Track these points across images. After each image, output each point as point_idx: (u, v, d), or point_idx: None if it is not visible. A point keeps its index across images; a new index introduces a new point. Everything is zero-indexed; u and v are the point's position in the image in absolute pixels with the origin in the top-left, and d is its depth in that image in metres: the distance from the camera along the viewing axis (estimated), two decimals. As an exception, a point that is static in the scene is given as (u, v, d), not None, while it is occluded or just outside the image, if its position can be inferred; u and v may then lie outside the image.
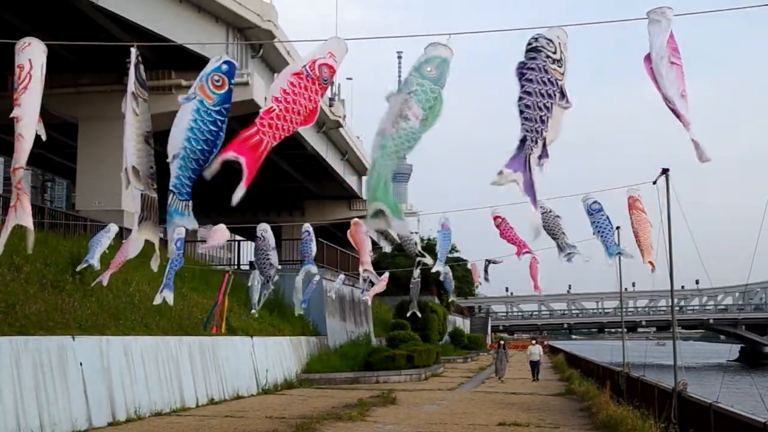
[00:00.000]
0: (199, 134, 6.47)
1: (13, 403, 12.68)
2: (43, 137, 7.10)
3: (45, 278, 16.72)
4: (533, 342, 36.90)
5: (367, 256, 14.37)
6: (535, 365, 32.81)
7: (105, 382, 15.73)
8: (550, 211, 13.86)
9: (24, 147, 6.92)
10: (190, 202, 6.58)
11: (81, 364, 15.02)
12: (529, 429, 15.55)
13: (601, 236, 13.96)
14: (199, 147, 6.47)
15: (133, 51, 7.15)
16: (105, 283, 15.38)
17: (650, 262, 13.99)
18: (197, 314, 22.07)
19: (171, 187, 6.48)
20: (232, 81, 6.77)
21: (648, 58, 6.24)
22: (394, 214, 5.85)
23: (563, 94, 6.17)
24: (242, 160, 6.00)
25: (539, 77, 6.06)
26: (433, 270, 20.63)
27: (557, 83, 6.12)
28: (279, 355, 26.31)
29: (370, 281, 23.97)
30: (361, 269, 14.39)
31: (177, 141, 6.50)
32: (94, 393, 15.19)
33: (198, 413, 17.91)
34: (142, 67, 7.29)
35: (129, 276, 19.90)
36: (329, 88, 6.80)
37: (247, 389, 22.98)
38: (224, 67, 6.76)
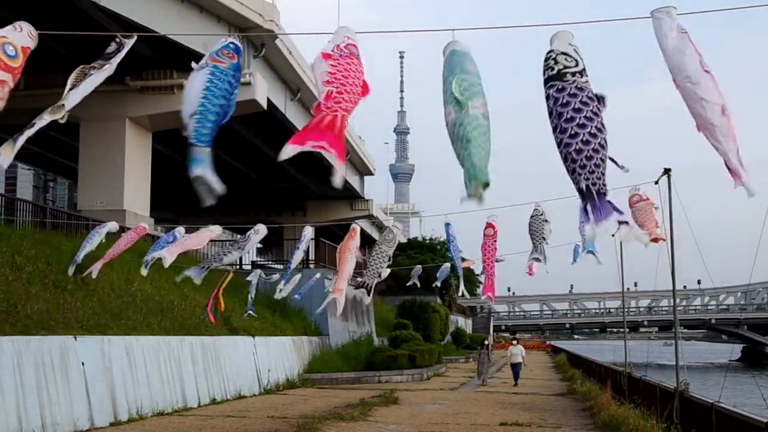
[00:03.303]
0: (216, 90, 6.55)
1: (15, 403, 12.69)
2: None
3: (47, 278, 16.71)
4: (513, 342, 33.11)
5: (343, 282, 12.14)
6: (516, 368, 29.87)
7: (107, 382, 15.74)
8: (541, 214, 13.70)
9: None
10: (209, 149, 6.54)
11: (83, 363, 15.03)
12: (530, 429, 15.54)
13: (585, 233, 13.81)
14: (218, 102, 6.53)
15: (130, 41, 7.26)
16: (94, 274, 15.31)
17: (654, 239, 13.29)
18: (199, 314, 22.06)
19: (191, 141, 6.40)
20: (240, 55, 6.96)
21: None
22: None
23: (599, 98, 5.47)
24: (324, 144, 5.73)
25: (576, 110, 5.35)
26: (443, 272, 20.43)
27: (592, 97, 5.42)
28: (281, 355, 26.31)
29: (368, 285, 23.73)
30: (330, 296, 11.97)
31: (193, 101, 6.52)
32: (96, 393, 15.20)
33: (200, 413, 17.92)
34: (122, 54, 7.41)
35: (131, 276, 19.90)
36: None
37: (249, 389, 22.98)
38: (231, 45, 6.93)
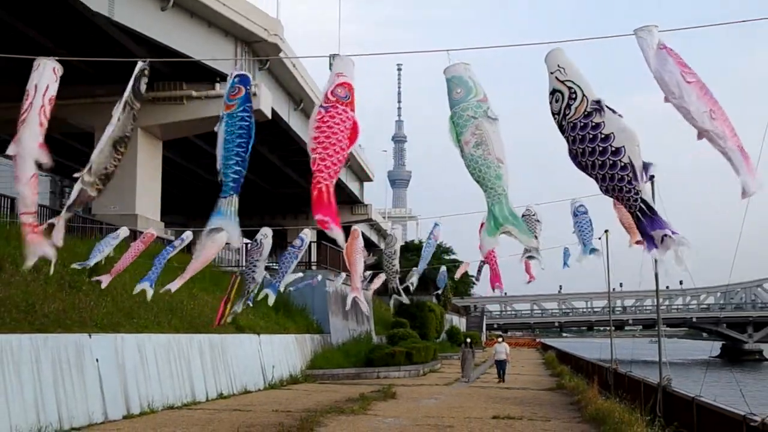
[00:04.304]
0: (231, 139, 6.74)
1: (33, 398, 12.69)
2: (46, 163, 6.65)
3: (63, 279, 16.72)
4: (499, 340, 31.70)
5: (358, 281, 12.17)
6: (501, 365, 29.01)
7: (120, 378, 15.74)
8: (533, 214, 13.75)
9: (24, 192, 6.44)
10: (236, 197, 6.69)
11: (97, 360, 15.03)
12: (521, 422, 15.53)
13: (581, 234, 13.80)
14: (235, 147, 6.73)
15: (140, 64, 7.20)
16: (104, 285, 14.90)
17: (638, 242, 13.42)
18: (207, 313, 22.05)
19: (222, 195, 6.65)
20: (248, 85, 6.95)
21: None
22: (522, 231, 5.74)
23: (599, 108, 5.33)
24: (327, 219, 5.97)
25: (601, 151, 5.22)
26: (442, 280, 20.32)
27: (589, 113, 5.31)
28: (285, 352, 26.30)
29: (372, 278, 23.74)
30: (350, 296, 11.96)
31: (219, 156, 6.80)
32: (110, 388, 15.20)
33: (208, 407, 17.91)
34: (145, 79, 7.31)
35: (142, 277, 19.88)
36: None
37: (255, 384, 22.97)
38: (236, 79, 6.99)
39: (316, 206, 5.97)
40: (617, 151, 5.19)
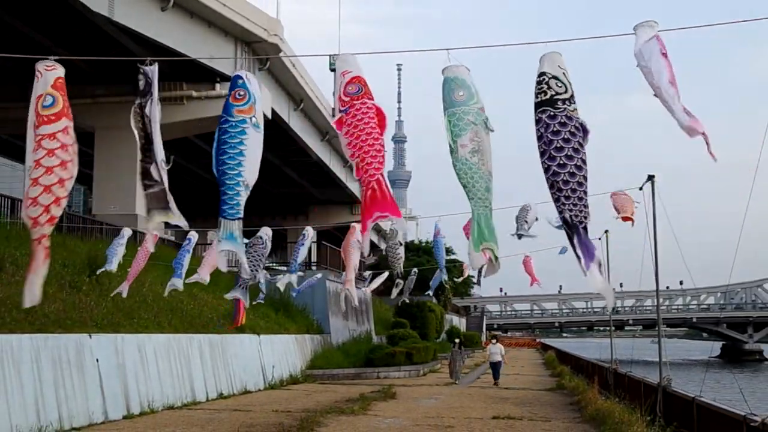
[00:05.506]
0: (217, 163, 6.91)
1: (33, 398, 12.69)
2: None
3: (63, 279, 16.72)
4: (494, 341, 30.32)
5: (351, 274, 12.24)
6: (495, 367, 27.73)
7: (120, 378, 15.74)
8: (526, 205, 14.07)
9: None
10: (239, 221, 6.73)
11: (97, 360, 15.03)
12: (522, 422, 15.52)
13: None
14: (222, 169, 6.87)
15: (155, 67, 7.25)
16: (125, 294, 15.60)
17: (624, 218, 13.98)
18: (207, 313, 22.08)
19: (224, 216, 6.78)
20: (235, 88, 6.83)
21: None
22: (496, 253, 5.87)
23: (584, 129, 5.62)
24: (386, 214, 6.01)
25: (565, 140, 5.47)
26: (436, 279, 20.35)
27: (578, 127, 5.57)
28: (285, 352, 26.31)
29: (372, 278, 23.77)
30: (342, 288, 12.03)
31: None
32: (110, 388, 15.20)
33: (208, 407, 17.91)
34: (155, 83, 7.35)
35: (142, 277, 19.84)
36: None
37: (255, 384, 22.98)
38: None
39: (374, 204, 5.95)
40: (582, 183, 5.59)
